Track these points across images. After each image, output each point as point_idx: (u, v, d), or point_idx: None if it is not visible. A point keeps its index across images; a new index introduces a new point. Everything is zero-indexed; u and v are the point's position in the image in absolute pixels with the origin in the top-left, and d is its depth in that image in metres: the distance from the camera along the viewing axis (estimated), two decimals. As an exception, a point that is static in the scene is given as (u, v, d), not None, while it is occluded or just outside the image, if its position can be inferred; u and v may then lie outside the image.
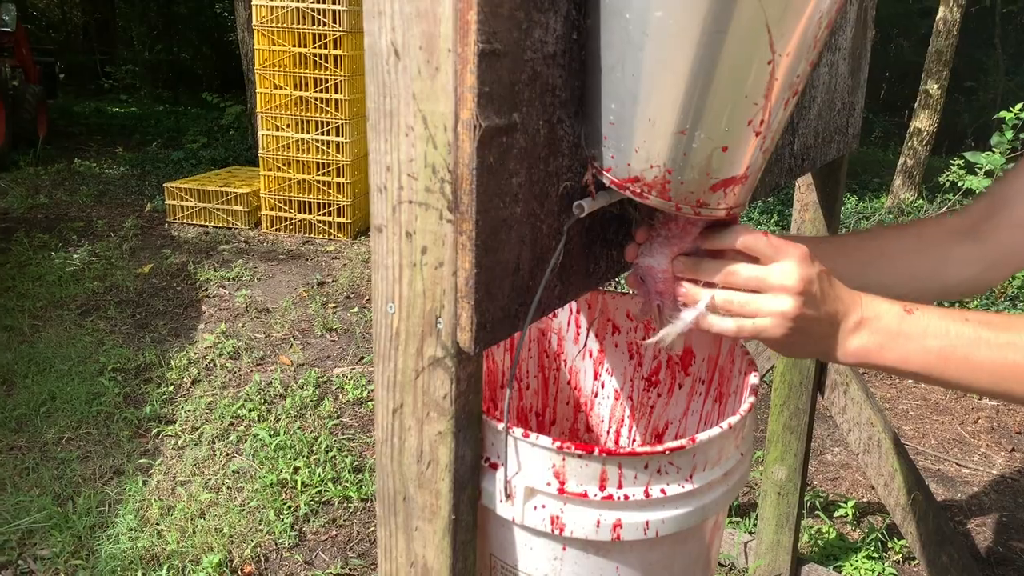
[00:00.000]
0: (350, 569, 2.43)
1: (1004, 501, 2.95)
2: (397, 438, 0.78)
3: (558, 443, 0.76)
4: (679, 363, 1.10)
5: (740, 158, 0.70)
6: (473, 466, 0.78)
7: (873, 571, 2.43)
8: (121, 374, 3.55)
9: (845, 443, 3.29)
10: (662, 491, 0.79)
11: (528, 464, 0.78)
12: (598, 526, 0.78)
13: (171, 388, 3.45)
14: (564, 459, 0.77)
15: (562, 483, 0.77)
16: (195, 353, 3.80)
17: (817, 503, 2.77)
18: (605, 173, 0.73)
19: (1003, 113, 4.95)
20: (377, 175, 0.71)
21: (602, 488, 0.77)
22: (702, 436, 0.79)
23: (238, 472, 2.86)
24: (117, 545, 2.41)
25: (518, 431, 0.77)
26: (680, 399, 1.11)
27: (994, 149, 4.98)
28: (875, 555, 2.50)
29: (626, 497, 0.78)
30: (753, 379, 0.92)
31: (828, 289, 0.77)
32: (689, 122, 0.67)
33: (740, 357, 0.99)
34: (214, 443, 3.04)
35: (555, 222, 0.77)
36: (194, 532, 2.49)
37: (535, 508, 0.78)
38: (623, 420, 1.16)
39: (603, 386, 1.16)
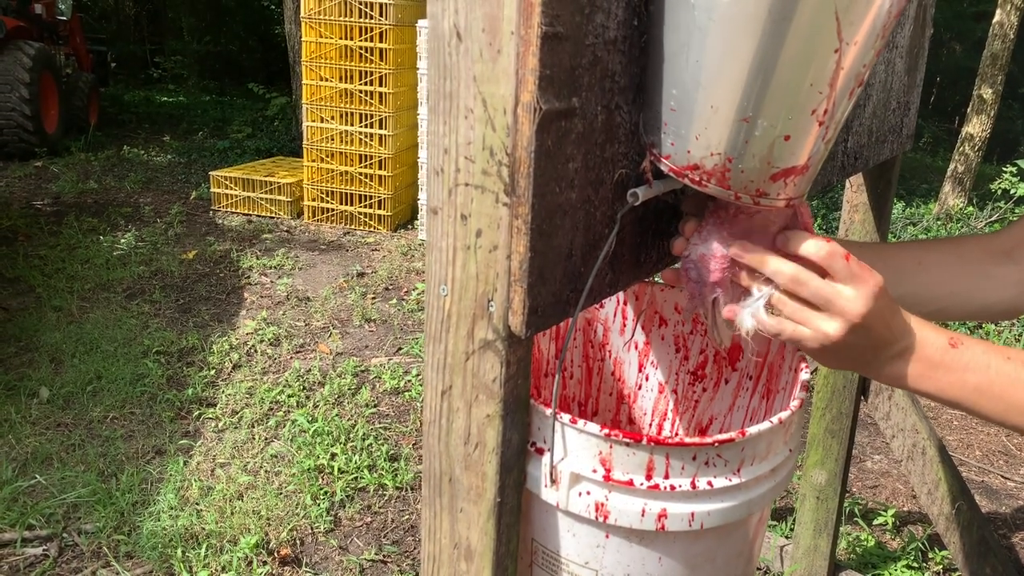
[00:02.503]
0: (384, 556, 2.45)
1: (1050, 516, 2.88)
2: (445, 419, 0.78)
3: (606, 430, 0.76)
4: (726, 358, 1.08)
5: (802, 148, 0.69)
6: (519, 450, 0.78)
7: (912, 581, 2.39)
8: (164, 357, 3.62)
9: (887, 450, 3.23)
10: (709, 483, 0.78)
11: (574, 450, 0.78)
12: (643, 515, 0.77)
13: (212, 372, 3.51)
14: (611, 447, 0.76)
15: (608, 471, 0.77)
16: (236, 339, 3.86)
17: (856, 510, 2.73)
18: (664, 160, 0.72)
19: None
20: (434, 157, 0.72)
21: (648, 477, 0.77)
22: (752, 430, 0.78)
23: (276, 456, 2.90)
24: (158, 523, 2.46)
25: (565, 417, 0.77)
26: (726, 394, 1.09)
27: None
28: (915, 565, 2.45)
29: (672, 488, 0.77)
30: (804, 375, 0.91)
31: (887, 320, 0.75)
32: (751, 110, 0.66)
33: (791, 353, 0.97)
34: (253, 427, 3.09)
35: (609, 209, 0.77)
36: (232, 513, 2.53)
37: (580, 494, 0.78)
38: (666, 414, 1.15)
39: (647, 379, 1.15)
